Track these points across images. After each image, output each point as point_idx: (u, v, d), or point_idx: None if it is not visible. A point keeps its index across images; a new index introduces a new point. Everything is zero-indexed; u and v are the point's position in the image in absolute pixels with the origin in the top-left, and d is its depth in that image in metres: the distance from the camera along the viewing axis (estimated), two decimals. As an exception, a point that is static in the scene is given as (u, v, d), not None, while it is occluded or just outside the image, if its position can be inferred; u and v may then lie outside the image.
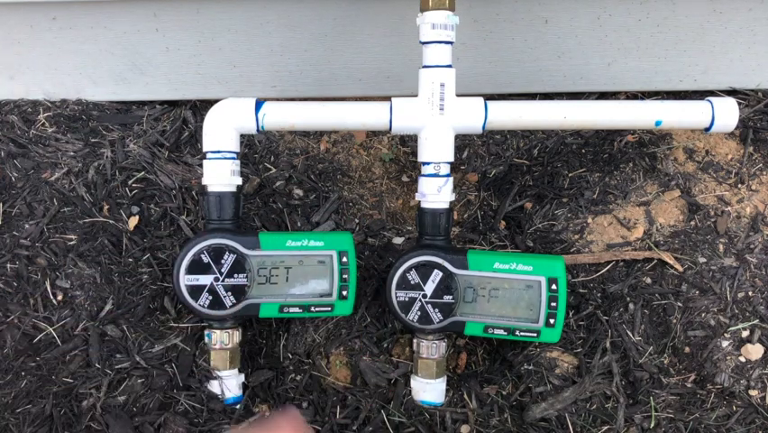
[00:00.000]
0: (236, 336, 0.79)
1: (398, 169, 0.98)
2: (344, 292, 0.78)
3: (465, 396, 0.82)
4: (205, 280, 0.75)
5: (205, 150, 0.77)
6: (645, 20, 0.88)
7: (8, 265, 0.85)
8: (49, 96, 0.97)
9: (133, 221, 0.87)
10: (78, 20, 0.86)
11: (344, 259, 0.78)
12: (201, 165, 0.89)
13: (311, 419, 0.80)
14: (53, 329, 0.83)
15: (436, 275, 0.75)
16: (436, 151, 0.76)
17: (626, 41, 0.91)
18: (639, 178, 0.92)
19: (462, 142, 0.98)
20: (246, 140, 0.95)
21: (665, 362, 0.83)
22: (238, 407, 0.79)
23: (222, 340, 0.78)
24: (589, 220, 0.90)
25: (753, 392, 0.81)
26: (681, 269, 0.86)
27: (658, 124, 0.78)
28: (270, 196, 0.92)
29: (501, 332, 0.76)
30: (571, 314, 0.85)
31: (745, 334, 0.83)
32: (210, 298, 0.75)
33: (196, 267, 0.75)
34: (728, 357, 0.83)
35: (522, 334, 0.76)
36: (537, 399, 0.80)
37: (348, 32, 0.89)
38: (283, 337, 0.85)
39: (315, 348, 0.84)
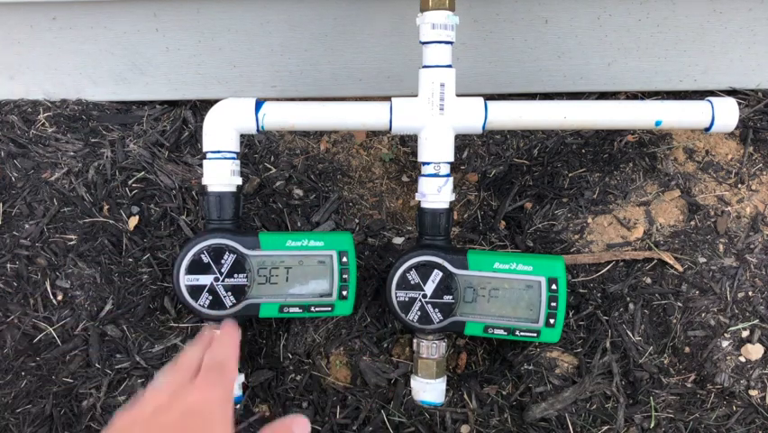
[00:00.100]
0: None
1: (398, 169, 0.98)
2: (344, 292, 0.78)
3: (465, 396, 0.82)
4: (205, 280, 0.75)
5: (205, 150, 0.77)
6: (645, 20, 0.88)
7: (8, 265, 0.85)
8: (49, 96, 0.97)
9: (133, 221, 0.88)
10: (78, 20, 0.86)
11: (344, 259, 0.78)
12: (201, 165, 0.89)
13: (311, 419, 0.81)
14: (53, 329, 0.83)
15: (436, 275, 0.75)
16: (436, 151, 0.76)
17: (626, 41, 0.91)
18: (639, 178, 0.92)
19: (462, 142, 0.98)
20: (246, 140, 0.95)
21: (665, 362, 0.83)
22: (238, 407, 0.79)
23: (222, 340, 0.78)
24: (589, 220, 0.90)
25: (753, 392, 0.81)
26: (681, 269, 0.86)
27: (658, 124, 0.78)
28: (270, 196, 0.92)
29: (501, 332, 0.76)
30: (571, 314, 0.85)
31: (745, 334, 0.83)
32: (210, 298, 0.75)
33: (196, 267, 0.75)
34: (728, 357, 0.83)
35: (522, 334, 0.76)
36: (537, 399, 0.80)
37: (348, 32, 0.89)
38: (283, 337, 0.85)
39: (315, 348, 0.84)
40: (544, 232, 0.90)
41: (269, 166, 0.94)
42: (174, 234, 0.88)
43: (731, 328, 0.84)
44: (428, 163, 0.77)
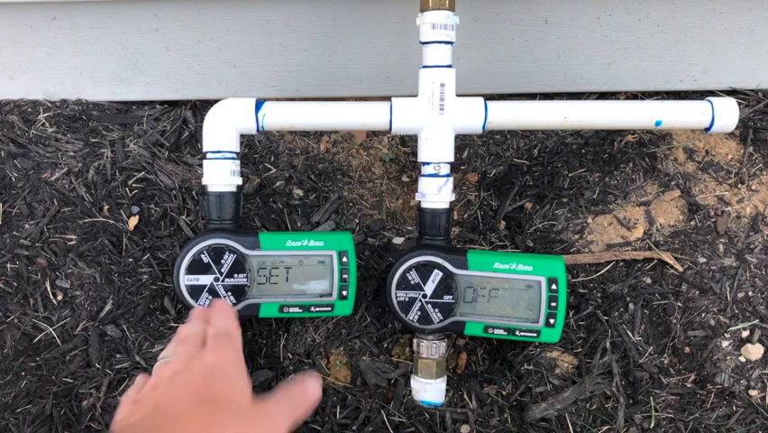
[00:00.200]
0: (236, 336, 0.79)
1: (398, 169, 0.98)
2: (344, 292, 0.78)
3: (465, 396, 0.82)
4: (206, 280, 0.75)
5: (205, 150, 0.77)
6: (645, 20, 0.88)
7: (8, 265, 0.85)
8: (49, 96, 0.97)
9: (133, 221, 0.88)
10: (78, 20, 0.86)
11: (344, 259, 0.78)
12: (201, 165, 0.89)
13: (311, 419, 0.81)
14: (53, 329, 0.83)
15: (436, 275, 0.75)
16: (436, 151, 0.76)
17: (626, 41, 0.91)
18: (639, 178, 0.92)
19: (462, 142, 0.98)
20: (246, 140, 0.95)
21: (665, 362, 0.83)
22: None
23: (222, 340, 0.78)
24: (589, 220, 0.90)
25: (753, 392, 0.81)
26: (681, 269, 0.86)
27: (658, 124, 0.78)
28: (270, 196, 0.92)
29: (501, 332, 0.76)
30: (571, 314, 0.85)
31: (745, 334, 0.83)
32: (210, 298, 0.75)
33: (197, 267, 0.75)
34: (728, 357, 0.83)
35: (522, 334, 0.76)
36: (537, 399, 0.80)
37: (348, 32, 0.89)
38: (283, 337, 0.85)
39: (315, 348, 0.84)
40: (544, 232, 0.90)
41: (269, 166, 0.94)
42: (174, 234, 0.88)
43: (731, 328, 0.84)
44: (428, 163, 0.77)
